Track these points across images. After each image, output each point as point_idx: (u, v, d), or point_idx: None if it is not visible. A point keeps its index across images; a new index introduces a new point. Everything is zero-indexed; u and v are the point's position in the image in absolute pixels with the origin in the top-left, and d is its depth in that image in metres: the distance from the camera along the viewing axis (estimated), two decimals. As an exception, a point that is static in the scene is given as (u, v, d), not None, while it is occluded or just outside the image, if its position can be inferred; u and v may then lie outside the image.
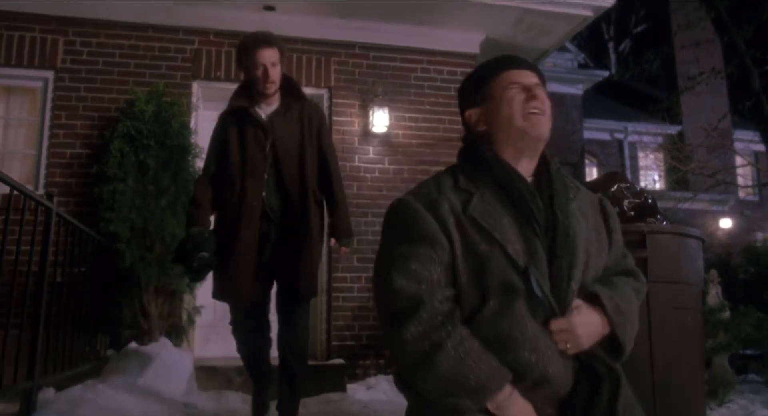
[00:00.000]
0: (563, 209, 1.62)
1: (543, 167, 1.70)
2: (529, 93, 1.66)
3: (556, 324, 1.55)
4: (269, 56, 3.24)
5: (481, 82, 1.75)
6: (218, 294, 3.30)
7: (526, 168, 1.68)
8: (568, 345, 1.56)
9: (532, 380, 1.52)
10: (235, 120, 3.32)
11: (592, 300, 1.62)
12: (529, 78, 1.69)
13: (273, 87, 3.29)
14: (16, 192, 3.01)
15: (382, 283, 1.61)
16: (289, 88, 3.43)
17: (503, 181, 1.63)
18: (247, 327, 3.35)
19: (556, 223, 1.60)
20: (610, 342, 1.65)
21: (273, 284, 3.36)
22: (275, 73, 3.25)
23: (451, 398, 1.49)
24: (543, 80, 1.73)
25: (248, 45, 3.28)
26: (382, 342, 5.61)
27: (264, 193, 3.25)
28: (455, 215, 1.58)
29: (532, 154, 1.68)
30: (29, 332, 3.29)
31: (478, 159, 1.68)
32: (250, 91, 3.35)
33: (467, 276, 1.56)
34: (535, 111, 1.64)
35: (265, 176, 3.26)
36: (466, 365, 1.47)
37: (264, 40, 3.28)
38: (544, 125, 1.66)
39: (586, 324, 1.58)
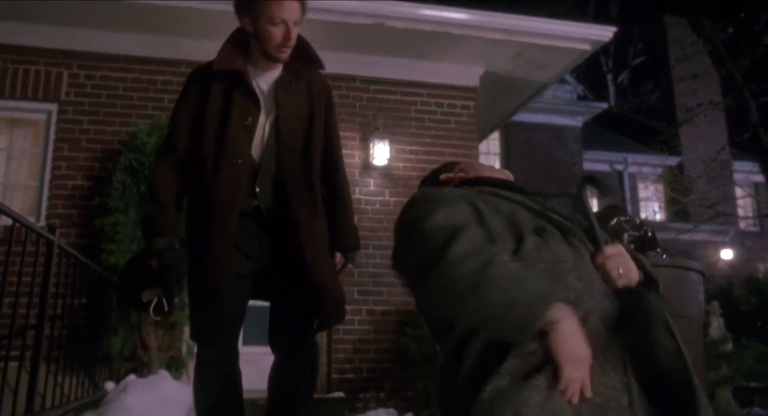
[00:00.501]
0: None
1: None
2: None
3: (608, 249, 1.55)
4: (293, 11, 2.38)
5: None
6: (199, 331, 2.43)
7: None
8: (621, 271, 1.52)
9: (582, 310, 1.43)
10: (221, 84, 2.48)
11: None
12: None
13: (288, 52, 2.45)
14: (18, 224, 3.03)
15: (414, 232, 1.56)
16: (300, 49, 2.54)
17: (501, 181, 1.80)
18: (228, 363, 2.46)
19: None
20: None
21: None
22: (296, 35, 2.43)
23: (514, 310, 1.37)
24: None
25: None
26: (382, 375, 5.59)
27: (258, 188, 2.43)
28: (473, 193, 1.66)
29: None
30: (29, 364, 3.27)
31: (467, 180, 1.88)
32: (248, 48, 2.49)
33: (498, 224, 1.56)
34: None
35: (259, 165, 2.45)
36: (523, 276, 1.41)
37: None
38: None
39: (625, 254, 1.58)
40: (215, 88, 2.46)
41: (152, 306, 2.33)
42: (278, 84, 2.49)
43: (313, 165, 2.53)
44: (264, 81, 2.49)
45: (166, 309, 2.35)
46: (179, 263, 2.33)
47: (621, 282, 1.52)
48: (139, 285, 2.34)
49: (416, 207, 1.64)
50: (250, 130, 2.43)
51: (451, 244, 1.45)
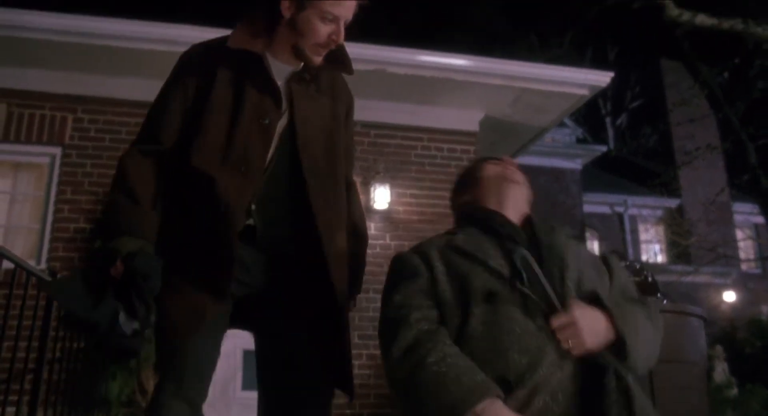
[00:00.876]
0: (546, 235, 1.76)
1: (527, 222, 1.86)
2: (509, 166, 2.00)
3: (558, 319, 1.52)
4: (350, 10, 1.91)
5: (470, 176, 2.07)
6: (167, 362, 1.87)
7: (515, 214, 1.87)
8: (570, 343, 1.50)
9: (527, 388, 1.45)
10: (230, 68, 1.93)
11: (593, 301, 1.60)
12: (506, 163, 2.03)
13: (323, 55, 1.95)
14: (19, 268, 3.04)
15: (381, 317, 1.75)
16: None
17: (483, 218, 1.83)
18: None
19: (539, 245, 1.71)
20: (618, 350, 1.56)
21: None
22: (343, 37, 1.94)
23: (443, 414, 1.45)
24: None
25: None
26: (383, 421, 5.52)
27: (254, 205, 1.89)
28: (440, 250, 1.74)
29: (518, 201, 1.91)
30: (27, 408, 3.24)
31: (464, 211, 1.94)
32: (270, 32, 1.95)
33: (451, 294, 1.64)
34: (510, 171, 1.97)
35: (263, 172, 1.91)
36: (448, 379, 1.46)
37: None
38: (518, 175, 1.97)
39: (589, 318, 1.53)
40: (222, 72, 1.92)
41: (107, 327, 1.67)
42: (292, 80, 1.96)
43: (339, 184, 2.03)
44: (278, 75, 1.94)
45: (130, 330, 1.70)
46: (153, 273, 1.73)
47: (574, 352, 1.51)
48: (90, 300, 1.69)
49: (388, 276, 1.82)
50: (268, 132, 1.90)
51: (393, 344, 1.59)
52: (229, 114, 1.89)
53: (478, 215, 1.85)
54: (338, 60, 2.00)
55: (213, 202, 1.82)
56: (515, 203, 1.89)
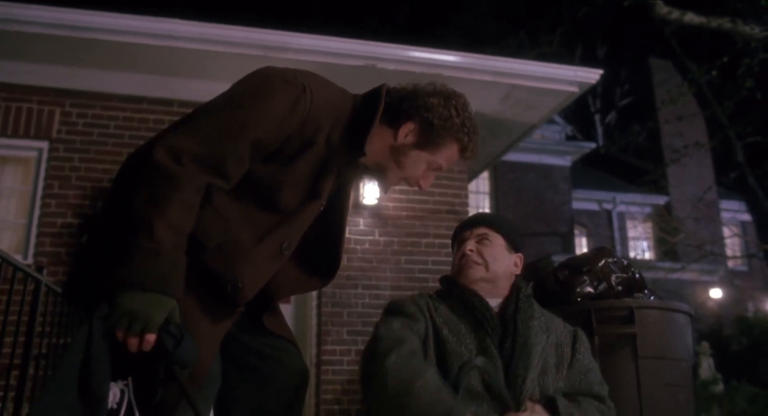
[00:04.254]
0: (524, 322, 1.93)
1: (514, 294, 2.04)
2: (463, 250, 2.10)
3: None
4: (451, 164, 1.83)
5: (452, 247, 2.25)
6: None
7: (491, 296, 2.02)
8: None
9: None
10: (336, 136, 1.65)
11: (550, 406, 1.77)
12: (472, 233, 2.13)
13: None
14: (5, 263, 3.01)
15: (371, 339, 1.92)
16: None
17: (461, 298, 1.99)
18: None
19: (516, 332, 1.89)
20: None
21: None
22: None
23: None
24: (496, 227, 2.14)
25: (464, 132, 1.77)
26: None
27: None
28: (430, 312, 1.96)
29: (487, 289, 2.03)
30: (12, 405, 3.22)
31: (446, 288, 2.10)
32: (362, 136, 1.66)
33: (435, 359, 1.86)
34: (465, 261, 2.07)
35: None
36: (444, 393, 1.67)
37: (477, 141, 1.83)
38: (470, 271, 2.05)
39: None
40: (320, 139, 1.61)
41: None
42: (345, 176, 1.80)
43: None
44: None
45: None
46: (191, 361, 1.40)
47: None
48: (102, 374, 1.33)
49: (382, 321, 2.01)
50: (314, 218, 1.72)
51: (388, 355, 1.80)
52: (310, 183, 1.63)
53: (455, 292, 2.04)
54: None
55: (255, 266, 1.57)
56: (484, 289, 2.03)
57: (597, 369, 2.01)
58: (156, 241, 1.34)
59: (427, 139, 1.71)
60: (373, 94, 1.73)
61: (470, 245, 2.09)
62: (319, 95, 1.60)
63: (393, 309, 2.00)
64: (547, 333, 1.95)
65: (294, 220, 1.62)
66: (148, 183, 1.40)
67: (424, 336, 1.89)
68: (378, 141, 1.69)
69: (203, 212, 1.49)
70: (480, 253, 2.06)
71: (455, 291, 2.04)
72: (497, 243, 2.09)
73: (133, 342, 1.33)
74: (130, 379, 1.36)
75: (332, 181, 1.68)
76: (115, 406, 1.32)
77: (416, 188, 1.79)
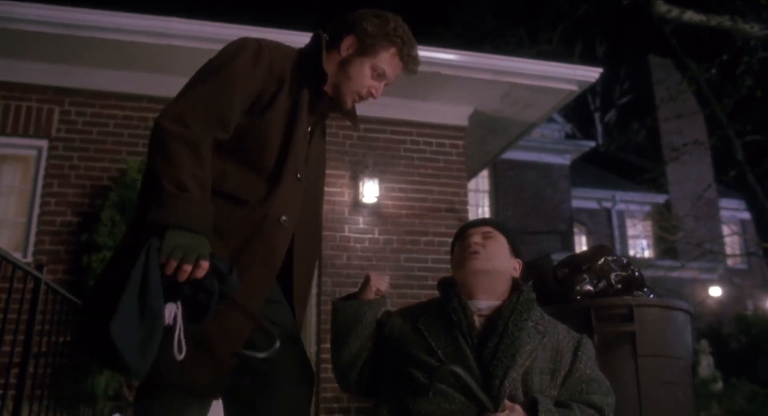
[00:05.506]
0: (516, 324, 1.90)
1: (515, 296, 2.00)
2: (467, 242, 2.07)
3: None
4: (397, 71, 2.01)
5: (453, 246, 2.20)
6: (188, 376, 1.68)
7: (487, 297, 2.00)
8: None
9: None
10: (296, 79, 1.90)
11: (532, 408, 1.73)
12: (477, 230, 2.12)
13: (355, 103, 2.03)
14: (5, 261, 3.01)
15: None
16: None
17: (442, 300, 2.00)
18: None
19: (504, 332, 1.87)
20: None
21: None
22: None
23: None
24: (501, 228, 2.14)
25: (397, 35, 1.97)
26: (371, 415, 5.53)
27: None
28: (402, 327, 1.99)
29: (485, 286, 2.01)
30: (12, 403, 3.22)
31: (442, 288, 2.09)
32: (321, 70, 1.93)
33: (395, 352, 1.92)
34: (467, 254, 2.03)
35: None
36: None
37: (414, 47, 2.02)
38: (475, 263, 2.01)
39: None
40: (288, 81, 1.89)
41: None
42: (314, 113, 2.01)
43: (319, 226, 2.15)
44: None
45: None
46: (237, 281, 1.63)
47: None
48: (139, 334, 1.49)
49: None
50: (306, 150, 1.95)
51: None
52: (286, 122, 1.88)
53: (442, 296, 2.04)
54: (352, 112, 2.06)
55: (276, 205, 1.81)
56: (483, 285, 2.02)
57: (603, 381, 1.92)
58: (189, 191, 1.59)
59: (365, 45, 1.94)
60: (314, 35, 2.02)
61: (475, 238, 2.07)
62: (275, 47, 1.91)
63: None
64: (543, 335, 1.91)
65: (286, 158, 1.84)
66: (165, 148, 1.63)
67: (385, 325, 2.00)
68: (329, 65, 1.95)
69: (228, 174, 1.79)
70: (484, 246, 2.05)
71: (443, 294, 2.04)
72: (501, 243, 2.08)
73: (187, 269, 1.54)
74: (179, 302, 1.58)
75: (306, 118, 1.91)
76: (171, 323, 1.55)
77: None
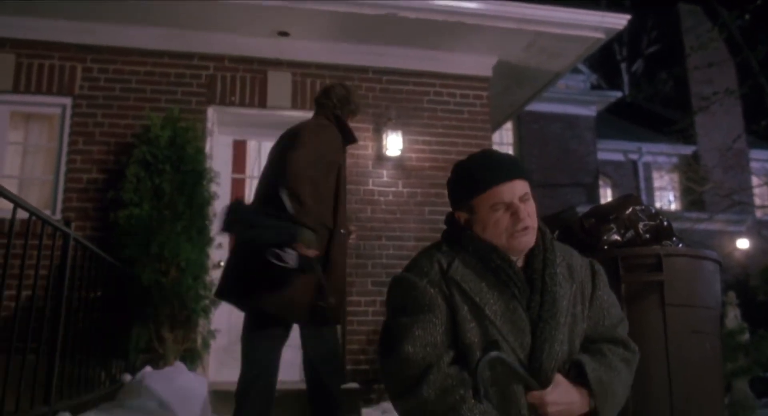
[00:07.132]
0: (552, 278, 1.76)
1: (540, 243, 1.82)
2: (514, 212, 1.75)
3: (531, 397, 1.66)
4: (513, 190, 1.90)
5: (467, 195, 1.85)
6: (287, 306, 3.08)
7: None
8: None
9: None
10: (341, 145, 3.48)
11: (577, 370, 1.71)
12: (513, 191, 1.77)
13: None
14: (34, 217, 3.04)
15: (390, 354, 1.72)
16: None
17: (479, 255, 1.77)
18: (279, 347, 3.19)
19: (544, 289, 1.74)
20: None
21: None
22: None
23: None
24: (530, 181, 1.82)
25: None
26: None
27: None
28: (445, 279, 1.74)
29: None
30: (46, 357, 3.30)
31: (457, 238, 1.84)
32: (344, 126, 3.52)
33: (473, 336, 1.70)
34: (521, 231, 1.75)
35: None
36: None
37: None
38: (530, 239, 1.78)
39: (559, 404, 1.67)
40: (340, 144, 3.44)
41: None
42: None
43: None
44: None
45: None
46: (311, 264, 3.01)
47: None
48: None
49: (392, 308, 1.84)
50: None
51: (420, 385, 1.64)
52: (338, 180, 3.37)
53: (471, 248, 1.80)
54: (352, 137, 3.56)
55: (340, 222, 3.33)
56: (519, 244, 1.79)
57: (617, 303, 1.90)
58: (307, 209, 2.97)
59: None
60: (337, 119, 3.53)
61: (523, 209, 1.76)
62: (331, 129, 3.43)
63: (404, 301, 1.78)
64: (572, 280, 1.81)
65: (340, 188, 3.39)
66: (293, 184, 2.99)
67: (444, 322, 1.71)
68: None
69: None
70: (530, 215, 1.77)
71: (473, 246, 1.79)
72: (533, 199, 1.82)
73: (310, 252, 2.91)
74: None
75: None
76: (291, 263, 2.88)
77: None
